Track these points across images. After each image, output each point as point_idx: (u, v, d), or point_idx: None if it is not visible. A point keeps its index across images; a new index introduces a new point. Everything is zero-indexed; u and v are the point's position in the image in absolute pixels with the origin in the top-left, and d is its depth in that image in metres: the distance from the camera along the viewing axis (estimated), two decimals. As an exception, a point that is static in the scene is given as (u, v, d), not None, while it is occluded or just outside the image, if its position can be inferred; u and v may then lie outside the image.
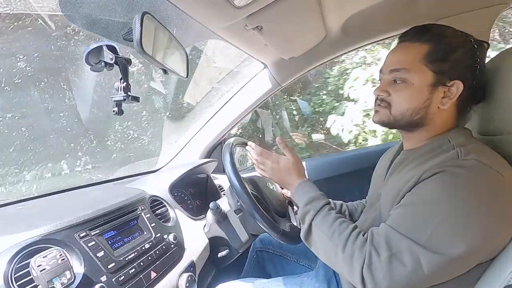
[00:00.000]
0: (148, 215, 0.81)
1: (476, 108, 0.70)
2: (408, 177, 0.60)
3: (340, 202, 1.00)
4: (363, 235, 0.60)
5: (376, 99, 0.69)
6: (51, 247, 0.56)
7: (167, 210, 0.91)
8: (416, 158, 0.64)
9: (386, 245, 0.53)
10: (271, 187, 0.96)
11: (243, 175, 0.85)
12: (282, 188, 1.03)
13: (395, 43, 0.75)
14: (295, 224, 0.94)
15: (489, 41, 0.79)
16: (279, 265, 1.11)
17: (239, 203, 0.90)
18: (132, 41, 0.57)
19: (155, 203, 0.90)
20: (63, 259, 0.54)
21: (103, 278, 0.60)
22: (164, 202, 0.93)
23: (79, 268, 0.57)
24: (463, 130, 0.65)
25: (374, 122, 0.70)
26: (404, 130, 0.69)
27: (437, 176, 0.54)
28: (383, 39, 1.18)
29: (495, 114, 0.65)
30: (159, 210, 0.88)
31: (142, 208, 0.81)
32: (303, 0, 0.81)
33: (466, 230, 0.50)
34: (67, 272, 0.53)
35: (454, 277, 0.54)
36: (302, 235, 0.69)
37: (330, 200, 1.01)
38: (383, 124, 0.68)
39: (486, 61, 0.65)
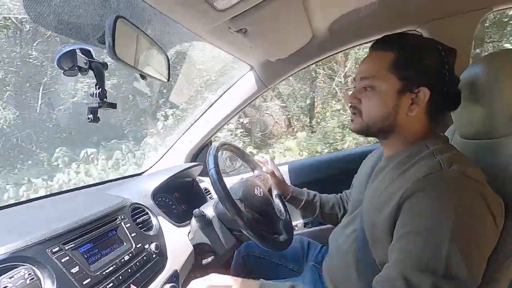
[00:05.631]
0: (129, 224, 0.78)
1: (457, 113, 0.70)
2: (392, 190, 0.59)
3: (315, 192, 1.02)
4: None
5: (350, 107, 0.70)
6: (20, 266, 0.53)
7: (149, 218, 0.88)
8: (396, 165, 0.64)
9: (407, 286, 0.51)
10: (257, 192, 0.95)
11: (228, 179, 0.83)
12: (269, 191, 1.01)
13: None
14: (284, 217, 0.95)
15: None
16: (266, 269, 1.09)
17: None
18: (107, 45, 0.54)
19: (137, 211, 0.86)
20: (32, 278, 0.51)
21: (78, 296, 0.57)
22: (146, 209, 0.90)
23: (51, 286, 0.54)
24: (440, 137, 0.65)
25: (352, 131, 0.71)
26: (379, 137, 0.70)
27: (425, 194, 0.53)
28: (370, 41, 1.17)
29: (477, 119, 0.65)
30: (140, 218, 0.85)
31: (122, 217, 0.78)
32: (288, 2, 0.79)
33: (473, 245, 0.50)
34: (37, 292, 0.50)
35: None
36: None
37: (305, 189, 1.03)
38: (358, 132, 0.69)
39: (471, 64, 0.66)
